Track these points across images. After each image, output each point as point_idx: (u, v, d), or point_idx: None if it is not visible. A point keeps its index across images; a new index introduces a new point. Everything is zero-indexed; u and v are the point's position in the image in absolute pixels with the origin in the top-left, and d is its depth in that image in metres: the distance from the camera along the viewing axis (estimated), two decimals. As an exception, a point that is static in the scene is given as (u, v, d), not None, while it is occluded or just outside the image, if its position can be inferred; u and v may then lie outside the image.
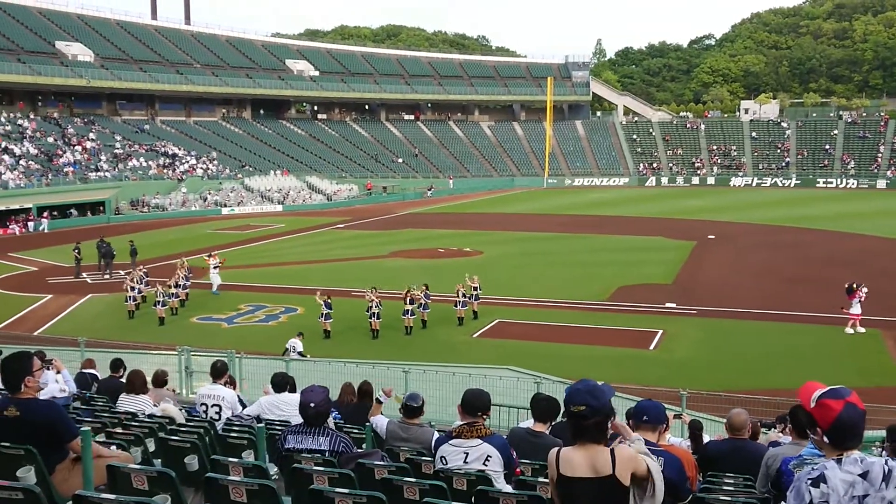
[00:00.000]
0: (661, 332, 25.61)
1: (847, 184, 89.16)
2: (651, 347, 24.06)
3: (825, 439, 3.96)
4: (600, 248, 44.37)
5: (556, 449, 4.45)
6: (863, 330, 25.16)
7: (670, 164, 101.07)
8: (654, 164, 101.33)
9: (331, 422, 7.84)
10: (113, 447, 6.69)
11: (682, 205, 69.53)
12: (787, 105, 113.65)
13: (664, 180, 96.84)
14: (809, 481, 3.89)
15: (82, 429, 5.62)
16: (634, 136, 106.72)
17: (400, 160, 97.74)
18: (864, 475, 3.82)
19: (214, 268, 33.61)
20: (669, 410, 9.64)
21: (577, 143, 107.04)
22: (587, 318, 27.86)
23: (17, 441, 5.66)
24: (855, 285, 25.77)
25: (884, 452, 9.50)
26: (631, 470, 4.26)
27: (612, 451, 4.28)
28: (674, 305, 29.37)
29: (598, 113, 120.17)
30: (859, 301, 25.36)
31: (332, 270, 38.72)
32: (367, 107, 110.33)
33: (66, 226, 60.28)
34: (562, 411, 8.68)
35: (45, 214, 60.59)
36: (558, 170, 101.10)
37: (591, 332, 25.94)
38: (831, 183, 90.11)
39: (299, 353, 21.85)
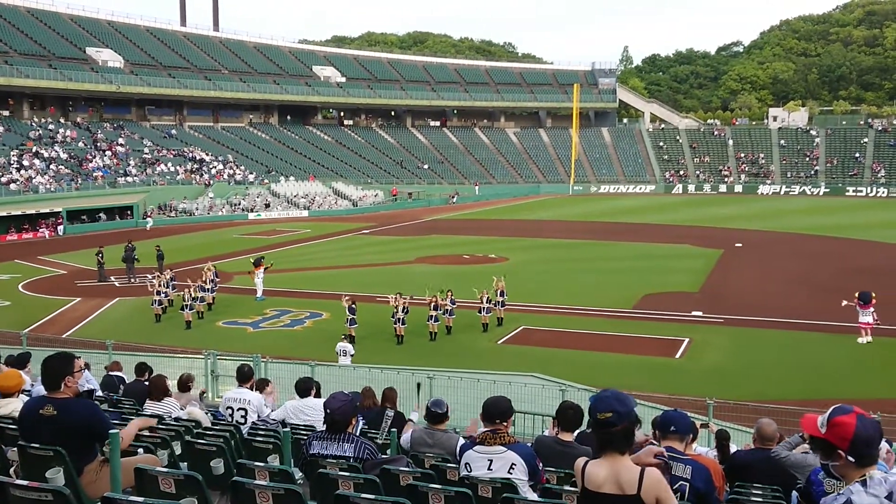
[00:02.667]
0: (687, 340, 25.43)
1: (877, 192, 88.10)
2: (677, 356, 23.89)
3: (849, 458, 3.87)
4: (626, 256, 44.14)
5: (583, 461, 4.43)
6: (864, 340, 24.85)
7: (697, 172, 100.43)
8: (681, 172, 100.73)
9: (357, 424, 7.85)
10: (140, 450, 6.74)
11: (709, 213, 69.05)
12: (817, 113, 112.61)
13: (691, 188, 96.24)
14: None
15: (111, 431, 5.66)
16: (661, 144, 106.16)
17: (425, 166, 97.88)
18: (890, 496, 3.75)
19: (261, 277, 33.59)
20: (696, 420, 9.56)
21: (604, 150, 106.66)
22: (613, 325, 27.72)
23: (52, 440, 5.71)
24: (872, 294, 25.36)
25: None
26: (656, 495, 4.21)
27: (641, 471, 4.25)
28: (700, 314, 29.15)
29: (625, 120, 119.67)
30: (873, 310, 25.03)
31: (357, 276, 38.81)
32: (393, 113, 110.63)
33: (93, 230, 60.91)
34: (586, 421, 8.64)
35: (58, 220, 61.18)
36: (584, 177, 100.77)
37: (617, 339, 25.79)
38: (861, 192, 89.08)
39: (350, 357, 22.12)
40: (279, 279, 37.61)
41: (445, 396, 12.42)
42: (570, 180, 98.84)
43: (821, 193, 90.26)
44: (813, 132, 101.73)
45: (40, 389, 8.41)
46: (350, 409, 6.51)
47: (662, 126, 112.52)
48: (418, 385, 11.43)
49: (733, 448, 9.67)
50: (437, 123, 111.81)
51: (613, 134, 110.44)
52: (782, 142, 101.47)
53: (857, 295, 25.53)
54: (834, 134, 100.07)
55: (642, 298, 32.10)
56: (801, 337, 25.86)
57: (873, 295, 25.33)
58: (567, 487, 6.31)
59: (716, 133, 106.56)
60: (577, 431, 7.92)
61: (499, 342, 25.83)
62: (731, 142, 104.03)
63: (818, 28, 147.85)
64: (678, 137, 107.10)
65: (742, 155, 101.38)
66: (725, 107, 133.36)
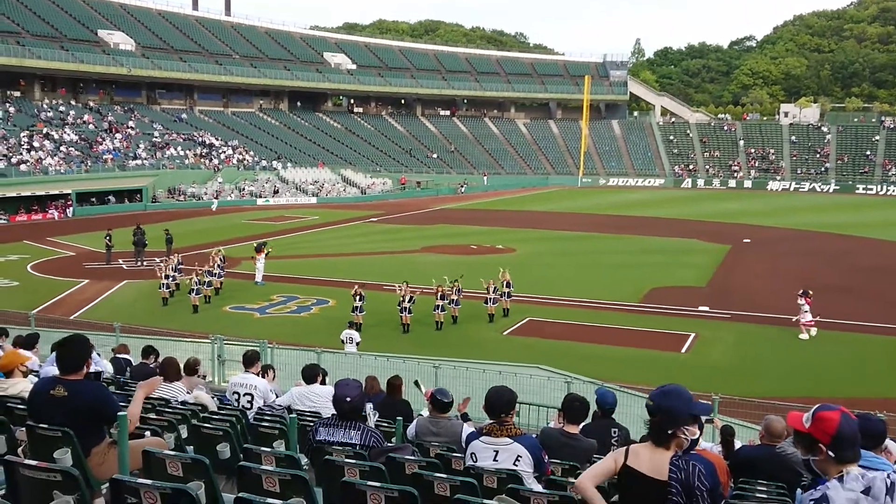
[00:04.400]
0: (693, 335, 25.41)
1: (888, 191, 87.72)
2: (683, 350, 23.87)
3: (830, 454, 3.96)
4: (633, 250, 44.07)
5: (628, 445, 4.66)
6: (808, 335, 25.14)
7: (707, 167, 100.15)
8: (691, 166, 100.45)
9: (372, 417, 7.87)
10: (147, 433, 6.77)
11: (718, 208, 68.86)
12: (828, 109, 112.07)
13: (700, 182, 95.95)
14: (812, 502, 3.89)
15: (119, 413, 5.69)
16: (671, 138, 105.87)
17: (434, 155, 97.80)
18: (866, 491, 3.81)
19: (262, 262, 33.74)
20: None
21: (613, 143, 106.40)
22: (619, 319, 27.70)
23: (61, 421, 5.74)
24: (808, 292, 25.95)
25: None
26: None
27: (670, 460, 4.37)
28: (707, 309, 29.11)
29: (635, 113, 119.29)
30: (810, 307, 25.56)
31: (364, 264, 38.84)
32: (403, 101, 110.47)
33: (102, 212, 61.08)
34: (591, 412, 8.66)
35: (68, 201, 61.41)
36: (593, 169, 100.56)
37: (623, 333, 25.77)
38: (871, 189, 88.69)
39: (356, 345, 22.16)
40: (286, 265, 37.67)
41: (450, 386, 12.45)
42: (580, 172, 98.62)
43: (831, 191, 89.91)
44: (824, 129, 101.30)
45: (49, 370, 8.46)
46: (363, 396, 6.54)
47: (673, 120, 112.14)
48: (416, 383, 11.46)
49: (738, 444, 9.68)
50: (447, 113, 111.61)
51: (624, 127, 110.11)
52: (793, 138, 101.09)
53: (803, 292, 25.92)
54: (845, 131, 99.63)
55: (649, 292, 32.06)
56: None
57: (809, 292, 25.96)
58: (572, 479, 6.32)
59: (726, 128, 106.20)
60: (582, 424, 7.94)
61: (505, 333, 25.84)
62: (741, 137, 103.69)
63: (832, 24, 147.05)
64: (688, 132, 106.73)
65: (752, 150, 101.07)
66: (737, 101, 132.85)
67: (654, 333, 25.71)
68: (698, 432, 4.65)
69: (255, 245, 35.88)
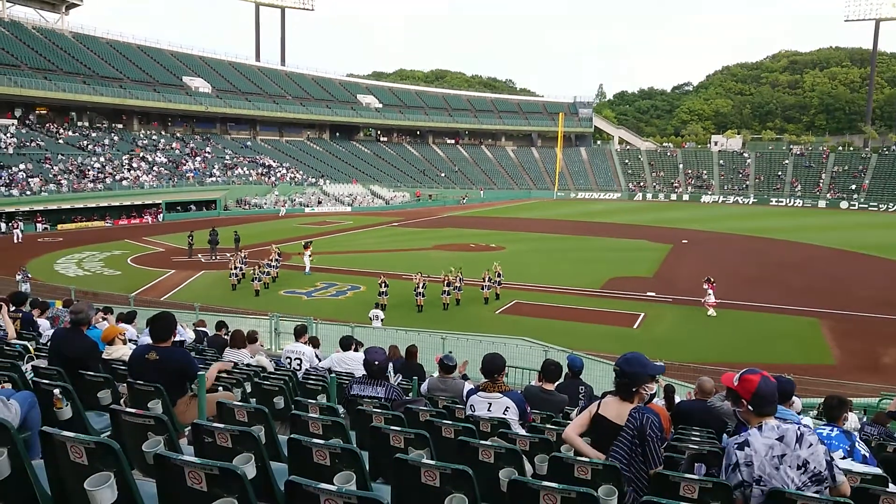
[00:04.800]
0: (643, 315, 25.36)
1: (795, 203, 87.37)
2: (635, 326, 23.86)
3: (749, 408, 3.96)
4: (596, 248, 43.99)
5: (603, 395, 4.66)
6: (714, 313, 25.30)
7: (654, 184, 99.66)
8: (641, 183, 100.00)
9: (394, 377, 7.88)
10: (220, 388, 6.78)
11: (663, 216, 68.61)
12: (749, 139, 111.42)
13: (649, 196, 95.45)
14: (736, 445, 3.88)
15: (199, 373, 5.70)
16: (626, 161, 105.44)
17: (442, 174, 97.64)
18: (780, 439, 3.80)
19: (309, 256, 33.84)
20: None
21: (581, 165, 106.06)
22: (585, 301, 27.67)
23: (154, 378, 5.75)
24: (711, 279, 26.26)
25: (820, 417, 9.33)
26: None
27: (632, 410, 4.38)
28: (654, 294, 29.04)
29: (598, 142, 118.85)
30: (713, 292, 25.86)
31: (387, 258, 38.88)
32: (418, 132, 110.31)
33: (185, 217, 61.14)
34: (564, 374, 8.63)
35: (159, 209, 61.45)
36: (565, 185, 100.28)
37: (588, 313, 25.76)
38: (782, 202, 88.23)
39: (381, 321, 22.18)
40: (327, 259, 37.74)
41: (455, 353, 12.46)
42: (555, 188, 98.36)
43: (750, 203, 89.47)
44: (745, 155, 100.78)
45: (145, 339, 8.49)
46: (387, 361, 6.53)
47: (628, 147, 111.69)
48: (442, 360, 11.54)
49: (677, 399, 9.66)
50: (453, 141, 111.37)
51: (590, 153, 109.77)
52: (721, 161, 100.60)
53: (707, 279, 26.22)
54: (762, 156, 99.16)
55: (608, 281, 32.01)
56: (733, 315, 25.73)
57: (711, 279, 26.24)
58: (549, 426, 6.31)
59: (669, 154, 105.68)
60: (556, 383, 7.94)
61: (497, 312, 25.84)
62: (681, 161, 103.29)
63: (752, 73, 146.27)
64: (640, 157, 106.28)
65: (689, 171, 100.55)
66: (678, 133, 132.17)
67: (612, 313, 25.69)
68: (655, 387, 4.64)
69: (303, 243, 35.90)
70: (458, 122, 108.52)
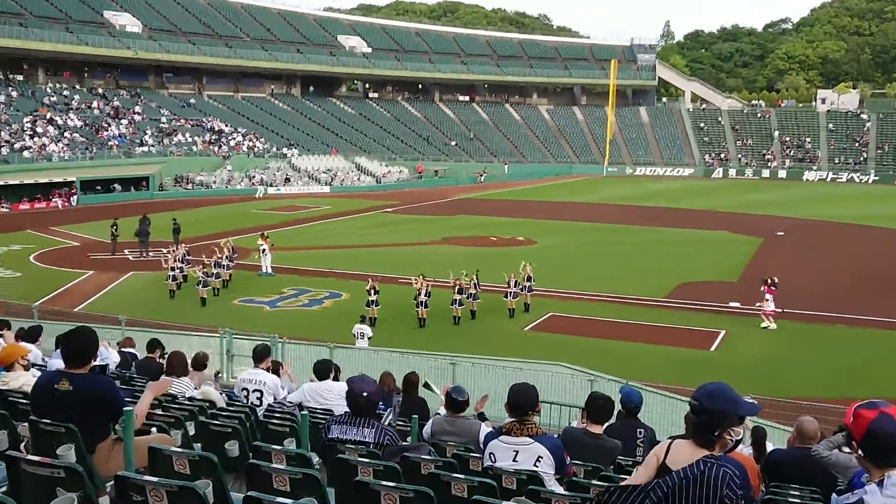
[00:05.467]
0: (723, 332, 25.28)
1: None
2: (712, 348, 23.76)
3: (860, 453, 3.89)
4: (661, 242, 43.89)
5: (671, 439, 4.53)
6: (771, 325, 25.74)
7: (739, 156, 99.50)
8: (722, 155, 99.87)
9: (388, 416, 7.88)
10: (153, 429, 6.79)
11: (750, 199, 68.40)
12: (868, 95, 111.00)
13: (732, 172, 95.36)
14: None
15: (125, 409, 5.71)
16: (701, 125, 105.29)
17: (453, 143, 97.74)
18: None
19: (264, 250, 33.96)
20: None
21: (640, 130, 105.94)
22: (645, 314, 27.61)
23: (65, 415, 5.75)
24: (770, 280, 26.46)
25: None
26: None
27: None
28: (738, 305, 28.93)
29: (664, 99, 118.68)
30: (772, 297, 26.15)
31: (378, 255, 38.89)
32: (420, 86, 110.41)
33: (107, 200, 61.35)
34: (617, 411, 8.63)
35: (72, 189, 61.69)
36: (619, 158, 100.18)
37: (649, 329, 25.69)
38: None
39: (368, 339, 22.21)
40: (297, 257, 37.77)
41: (468, 383, 12.43)
42: (605, 161, 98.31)
43: (870, 181, 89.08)
44: (864, 116, 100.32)
45: (55, 364, 8.52)
46: (378, 394, 6.53)
47: (704, 106, 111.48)
48: (426, 385, 11.47)
49: (770, 446, 9.62)
50: (466, 98, 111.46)
51: (651, 113, 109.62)
52: (831, 125, 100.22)
53: (766, 280, 26.47)
54: (886, 118, 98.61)
55: (677, 287, 31.92)
56: (844, 333, 25.60)
57: (769, 280, 26.45)
58: (595, 482, 6.30)
59: (760, 115, 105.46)
60: (606, 424, 7.92)
61: (525, 329, 25.82)
62: (776, 124, 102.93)
63: (873, 6, 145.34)
64: (720, 118, 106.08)
65: (787, 139, 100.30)
66: (771, 87, 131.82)
67: (681, 330, 25.62)
68: (742, 432, 4.57)
69: (260, 234, 35.90)
70: (475, 73, 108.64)
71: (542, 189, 78.61)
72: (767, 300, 26.07)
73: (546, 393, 13.00)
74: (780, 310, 26.33)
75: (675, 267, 36.27)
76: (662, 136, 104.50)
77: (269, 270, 33.77)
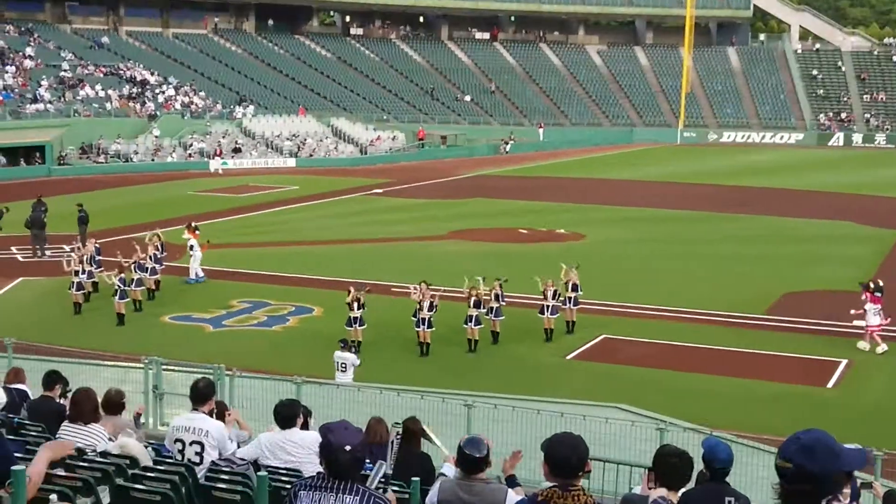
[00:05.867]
0: (844, 362, 25.22)
1: None
2: (830, 385, 23.69)
3: None
4: (758, 237, 43.81)
5: None
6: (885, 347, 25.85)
7: (866, 115, 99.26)
8: (843, 115, 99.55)
9: (373, 475, 7.85)
10: (53, 496, 6.81)
11: (884, 175, 68.20)
12: None
13: (856, 138, 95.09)
14: None
15: (14, 468, 5.72)
16: (814, 72, 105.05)
17: (467, 98, 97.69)
18: None
19: (192, 247, 33.96)
20: (857, 478, 9.49)
21: (729, 81, 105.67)
22: (735, 337, 27.52)
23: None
24: (873, 285, 26.89)
25: None
26: None
27: None
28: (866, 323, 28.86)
29: (762, 36, 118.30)
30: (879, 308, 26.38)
31: (364, 255, 38.95)
32: (422, 19, 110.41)
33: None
34: (698, 472, 8.63)
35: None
36: (699, 118, 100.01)
37: (741, 358, 25.63)
38: None
39: (353, 370, 22.22)
40: (251, 257, 37.80)
41: (489, 432, 12.40)
42: (679, 123, 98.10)
43: None
44: None
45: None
46: (365, 448, 6.54)
47: (817, 46, 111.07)
48: (424, 433, 11.46)
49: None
50: (486, 36, 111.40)
51: (744, 56, 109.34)
52: None
53: (869, 286, 26.87)
54: None
55: (781, 299, 31.81)
56: None
57: (872, 285, 26.94)
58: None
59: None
60: (682, 490, 7.92)
61: (568, 357, 25.76)
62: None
63: None
64: (840, 63, 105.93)
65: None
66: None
67: (786, 359, 25.49)
68: (849, 494, 4.58)
69: (186, 225, 35.78)
70: (497, 0, 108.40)
71: (591, 162, 78.47)
72: (868, 311, 26.15)
73: (598, 447, 12.96)
74: (887, 320, 26.29)
75: (777, 272, 36.15)
76: (759, 87, 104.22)
77: (200, 275, 33.71)
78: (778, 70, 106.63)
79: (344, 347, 23.39)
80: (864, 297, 26.59)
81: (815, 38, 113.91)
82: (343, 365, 22.44)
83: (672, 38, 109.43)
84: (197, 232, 34.88)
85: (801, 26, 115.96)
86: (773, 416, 20.69)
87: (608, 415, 17.39)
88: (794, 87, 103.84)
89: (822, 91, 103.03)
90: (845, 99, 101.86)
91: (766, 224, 47.48)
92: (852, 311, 26.68)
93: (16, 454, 6.27)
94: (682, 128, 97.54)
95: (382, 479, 8.79)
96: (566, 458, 6.08)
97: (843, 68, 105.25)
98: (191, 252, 33.96)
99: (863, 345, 26.04)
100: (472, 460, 7.76)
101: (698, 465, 8.79)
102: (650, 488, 7.97)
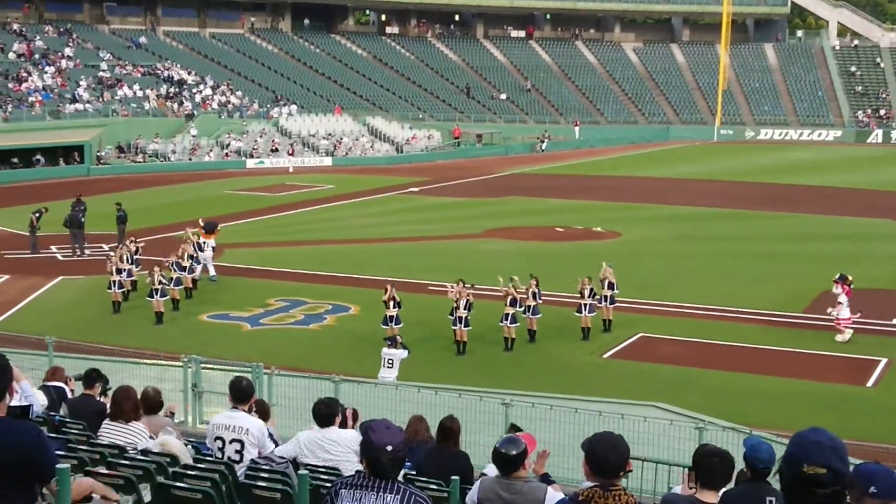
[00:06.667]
0: (884, 360, 25.04)
1: None
2: (870, 384, 23.55)
3: None
4: (796, 235, 43.59)
5: None
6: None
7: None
8: (882, 111, 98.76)
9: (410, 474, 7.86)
10: (96, 495, 6.82)
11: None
12: None
13: (895, 135, 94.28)
14: None
15: (58, 466, 5.72)
16: (852, 69, 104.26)
17: (503, 96, 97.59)
18: None
19: (210, 248, 33.87)
20: None
21: (767, 77, 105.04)
22: (773, 336, 27.40)
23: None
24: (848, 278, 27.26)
25: None
26: None
27: None
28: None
29: (800, 33, 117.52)
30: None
31: (400, 254, 39.02)
32: (457, 17, 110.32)
33: (26, 179, 62.00)
34: (736, 473, 8.57)
35: None
36: (736, 116, 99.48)
37: (779, 356, 25.53)
38: None
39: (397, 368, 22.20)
40: (288, 256, 37.90)
41: (526, 430, 12.38)
42: (716, 120, 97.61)
43: None
44: None
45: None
46: (406, 447, 6.52)
47: (856, 43, 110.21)
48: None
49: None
50: (522, 34, 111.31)
51: (782, 53, 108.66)
52: None
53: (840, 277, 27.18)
54: None
55: (819, 297, 31.56)
56: None
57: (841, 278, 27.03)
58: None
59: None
60: (723, 490, 7.87)
61: (605, 355, 25.72)
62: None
63: None
64: (878, 60, 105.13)
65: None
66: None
67: (826, 358, 25.40)
68: None
69: (202, 223, 35.63)
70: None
71: (627, 160, 78.26)
72: (841, 304, 26.44)
73: (636, 446, 12.91)
74: (857, 314, 26.47)
75: (815, 269, 35.85)
76: (797, 84, 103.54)
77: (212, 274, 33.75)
78: (816, 67, 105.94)
79: (392, 344, 23.29)
80: (838, 289, 26.78)
81: (853, 34, 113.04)
82: (390, 361, 22.36)
83: (709, 35, 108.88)
84: (215, 234, 34.76)
85: (839, 22, 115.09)
86: (812, 415, 20.53)
87: (646, 413, 17.34)
88: (832, 83, 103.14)
89: (860, 88, 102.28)
90: (884, 95, 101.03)
91: (805, 222, 47.25)
92: (830, 310, 26.98)
93: (57, 451, 6.27)
94: (718, 125, 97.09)
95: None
96: (607, 457, 6.05)
97: (882, 65, 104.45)
98: (204, 255, 33.75)
99: (841, 338, 26.32)
100: (510, 459, 7.73)
101: (740, 465, 8.73)
102: (690, 488, 7.94)
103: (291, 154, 73.80)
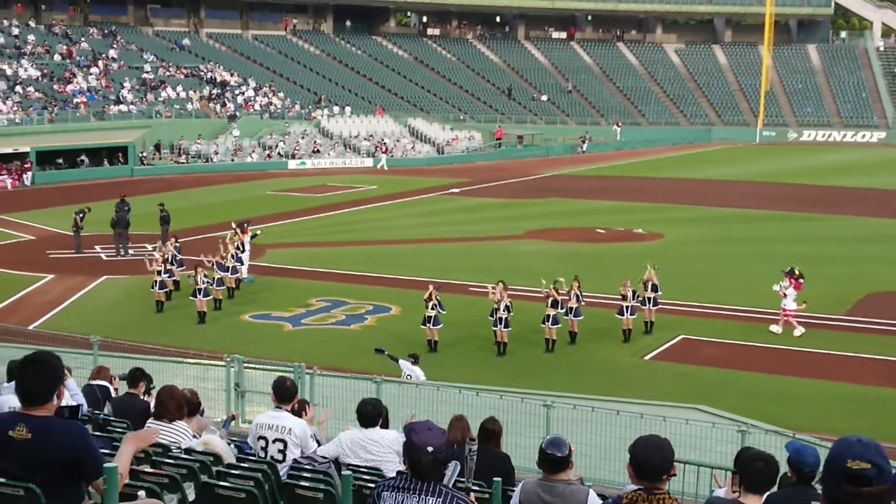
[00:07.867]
0: (930, 364, 24.85)
1: None
2: (913, 387, 23.36)
3: None
4: (840, 237, 43.30)
5: None
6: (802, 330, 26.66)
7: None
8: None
9: (452, 474, 7.83)
10: (141, 493, 6.87)
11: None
12: None
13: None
14: None
15: (105, 465, 5.74)
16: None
17: (544, 98, 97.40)
18: None
19: (243, 248, 33.84)
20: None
21: (810, 79, 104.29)
22: (817, 338, 27.17)
23: (22, 472, 5.79)
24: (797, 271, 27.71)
25: None
26: None
27: None
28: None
29: (843, 34, 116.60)
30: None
31: (441, 254, 39.05)
32: (498, 19, 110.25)
33: (71, 179, 62.50)
34: (780, 476, 8.51)
35: (25, 164, 62.46)
36: (779, 117, 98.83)
37: (822, 359, 25.38)
38: None
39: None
40: (329, 256, 38.00)
41: (568, 433, 12.36)
42: (759, 122, 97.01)
43: None
44: None
45: (6, 401, 8.66)
46: (449, 448, 6.51)
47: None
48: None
49: None
50: (563, 35, 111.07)
51: (825, 54, 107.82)
52: None
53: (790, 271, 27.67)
54: None
55: (864, 299, 31.41)
56: None
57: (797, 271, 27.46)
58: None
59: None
60: (766, 494, 7.82)
61: (646, 357, 25.66)
62: None
63: None
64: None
65: None
66: None
67: (870, 361, 25.20)
68: None
69: (234, 225, 35.56)
70: (575, 0, 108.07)
71: (669, 162, 77.89)
72: (789, 296, 27.04)
73: (678, 448, 12.84)
74: (802, 306, 26.93)
75: (859, 272, 35.65)
76: (841, 86, 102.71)
77: (245, 275, 33.68)
78: (860, 68, 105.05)
79: (415, 362, 23.10)
80: (787, 282, 27.23)
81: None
82: (409, 376, 22.27)
83: (751, 36, 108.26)
84: (245, 233, 34.82)
85: (883, 23, 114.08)
86: (855, 418, 20.40)
87: (688, 416, 17.24)
88: (875, 84, 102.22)
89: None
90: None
91: (848, 224, 46.90)
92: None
93: (102, 450, 6.30)
94: (761, 127, 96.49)
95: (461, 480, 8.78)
96: (651, 460, 6.01)
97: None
98: (242, 259, 33.69)
99: (776, 328, 27.09)
100: (555, 460, 7.71)
101: (784, 469, 8.68)
102: (734, 492, 7.90)
103: (384, 151, 73.74)
